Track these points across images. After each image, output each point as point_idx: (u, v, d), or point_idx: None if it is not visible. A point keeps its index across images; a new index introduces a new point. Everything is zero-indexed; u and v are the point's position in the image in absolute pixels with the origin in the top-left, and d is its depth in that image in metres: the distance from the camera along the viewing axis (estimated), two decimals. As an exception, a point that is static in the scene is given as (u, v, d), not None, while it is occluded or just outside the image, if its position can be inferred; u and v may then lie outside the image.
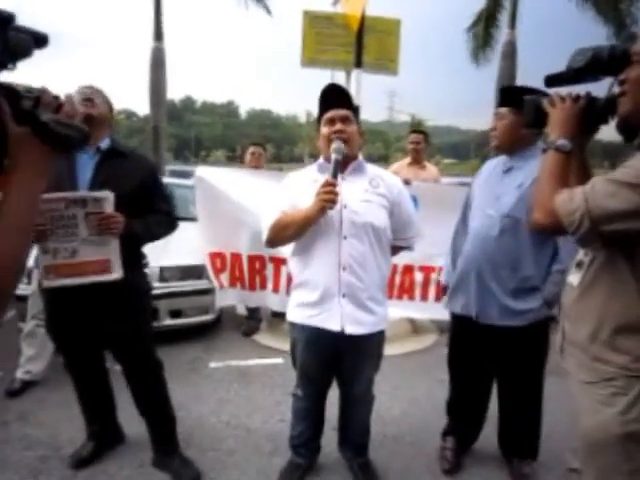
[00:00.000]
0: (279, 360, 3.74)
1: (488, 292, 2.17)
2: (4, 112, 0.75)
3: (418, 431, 2.76)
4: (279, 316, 4.47)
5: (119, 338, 2.17)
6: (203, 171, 4.26)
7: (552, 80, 1.42)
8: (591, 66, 1.26)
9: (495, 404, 2.42)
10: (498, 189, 2.19)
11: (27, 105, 0.78)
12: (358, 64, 4.28)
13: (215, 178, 4.18)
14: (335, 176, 1.87)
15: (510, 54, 10.16)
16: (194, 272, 4.04)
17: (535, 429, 2.34)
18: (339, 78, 4.67)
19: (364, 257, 1.94)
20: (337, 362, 2.09)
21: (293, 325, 2.10)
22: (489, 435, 2.49)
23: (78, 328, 2.13)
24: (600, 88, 1.41)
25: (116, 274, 2.03)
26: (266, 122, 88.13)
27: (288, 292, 4.13)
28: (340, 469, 2.37)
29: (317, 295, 1.95)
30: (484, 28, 11.46)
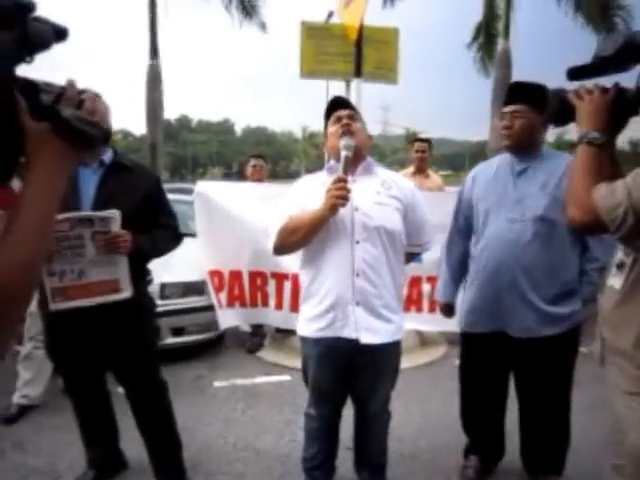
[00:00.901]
0: (286, 377, 3.61)
1: (525, 302, 2.03)
2: (20, 108, 0.68)
3: (435, 447, 2.64)
4: (284, 332, 4.35)
5: (123, 358, 2.07)
6: (203, 186, 4.18)
7: (576, 72, 1.35)
8: (623, 53, 1.19)
9: (511, 418, 2.31)
10: (516, 192, 2.06)
11: (47, 100, 0.72)
12: (358, 74, 4.24)
13: (215, 193, 4.10)
14: (346, 173, 1.79)
15: (505, 63, 10.20)
16: (195, 288, 3.94)
17: (565, 443, 2.22)
18: (335, 92, 4.65)
19: (378, 262, 1.84)
20: (352, 377, 1.98)
21: (304, 340, 1.99)
22: (509, 450, 2.37)
23: (80, 348, 2.03)
24: (624, 80, 1.34)
25: (126, 293, 1.95)
26: (262, 139, 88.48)
27: (292, 308, 4.03)
28: (356, 491, 2.25)
29: (329, 303, 1.85)
30: (486, 38, 11.60)
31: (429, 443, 2.70)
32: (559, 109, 1.39)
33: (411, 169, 4.49)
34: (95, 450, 2.25)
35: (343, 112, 1.94)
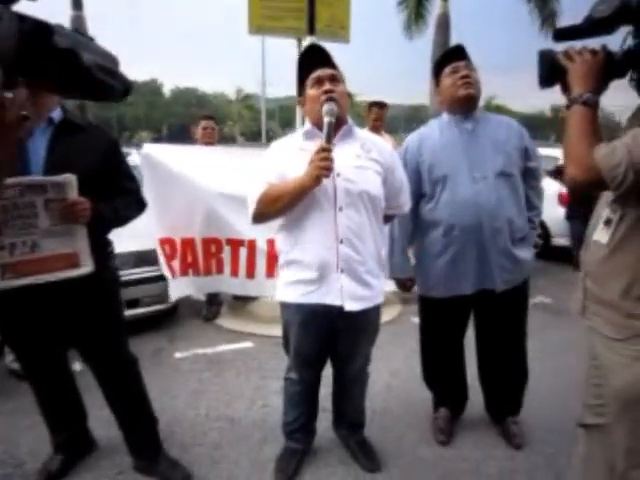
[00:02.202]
0: (249, 344, 3.59)
1: (505, 254, 2.13)
2: None
3: (405, 403, 2.75)
4: (242, 298, 4.29)
5: (88, 335, 1.93)
6: (150, 148, 3.92)
7: (564, 33, 1.36)
8: (619, 15, 1.20)
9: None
10: (471, 151, 2.10)
11: (63, 43, 0.60)
12: (311, 31, 4.08)
13: (164, 156, 3.86)
14: (329, 141, 1.73)
15: (444, 26, 10.25)
16: (148, 258, 3.75)
17: (522, 386, 2.40)
18: (270, 52, 4.45)
19: (361, 229, 1.82)
20: (334, 341, 1.98)
21: (285, 306, 1.95)
22: (476, 399, 2.52)
23: (39, 326, 1.86)
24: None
25: (86, 268, 1.78)
26: (192, 100, 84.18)
27: (248, 275, 3.96)
28: (335, 449, 2.30)
29: (313, 270, 1.81)
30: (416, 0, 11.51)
31: (399, 399, 2.80)
32: (549, 70, 1.39)
33: (366, 130, 4.46)
34: (62, 434, 2.12)
35: (324, 73, 1.82)
